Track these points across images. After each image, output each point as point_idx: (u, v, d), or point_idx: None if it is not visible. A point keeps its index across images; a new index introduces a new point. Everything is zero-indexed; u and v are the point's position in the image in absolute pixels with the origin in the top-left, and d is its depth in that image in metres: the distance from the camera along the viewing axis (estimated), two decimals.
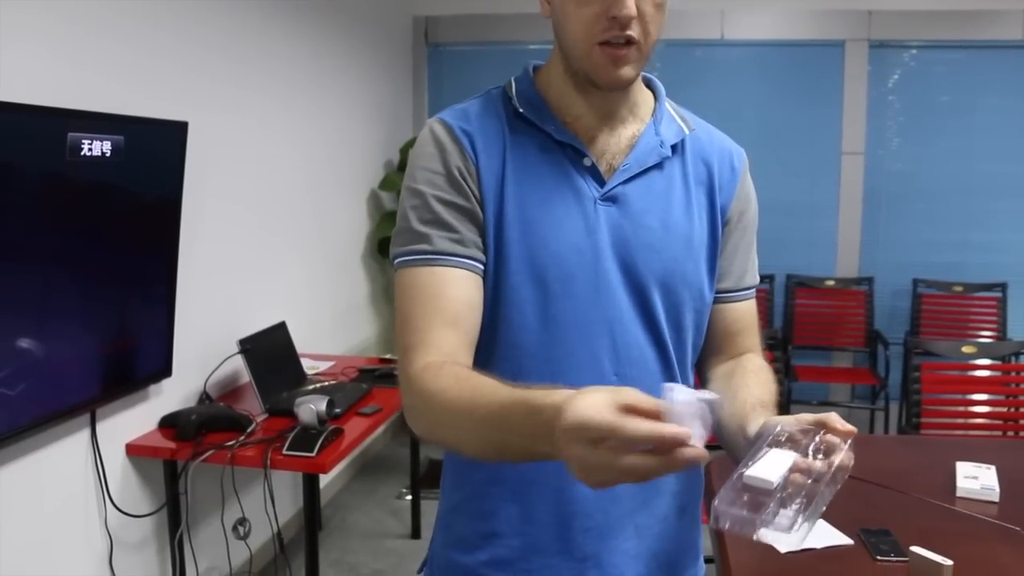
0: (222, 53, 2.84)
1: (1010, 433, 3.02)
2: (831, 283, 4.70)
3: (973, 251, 4.64)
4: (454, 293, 1.00)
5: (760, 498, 0.78)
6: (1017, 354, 3.37)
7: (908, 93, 4.64)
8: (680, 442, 0.69)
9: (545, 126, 1.06)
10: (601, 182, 1.06)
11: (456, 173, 1.03)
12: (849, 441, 0.85)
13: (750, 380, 1.09)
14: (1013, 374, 3.38)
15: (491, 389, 0.86)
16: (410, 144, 4.58)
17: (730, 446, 1.01)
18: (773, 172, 4.60)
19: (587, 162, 1.06)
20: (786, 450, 0.84)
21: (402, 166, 4.56)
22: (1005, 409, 3.15)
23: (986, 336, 4.47)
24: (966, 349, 3.11)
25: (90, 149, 2.00)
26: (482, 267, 1.03)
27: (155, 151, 2.29)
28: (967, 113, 4.57)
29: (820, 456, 0.84)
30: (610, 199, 1.05)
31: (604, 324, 1.04)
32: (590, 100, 1.07)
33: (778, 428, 0.88)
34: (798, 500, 0.79)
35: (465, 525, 1.12)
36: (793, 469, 0.81)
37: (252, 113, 3.06)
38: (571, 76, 1.06)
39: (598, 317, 1.04)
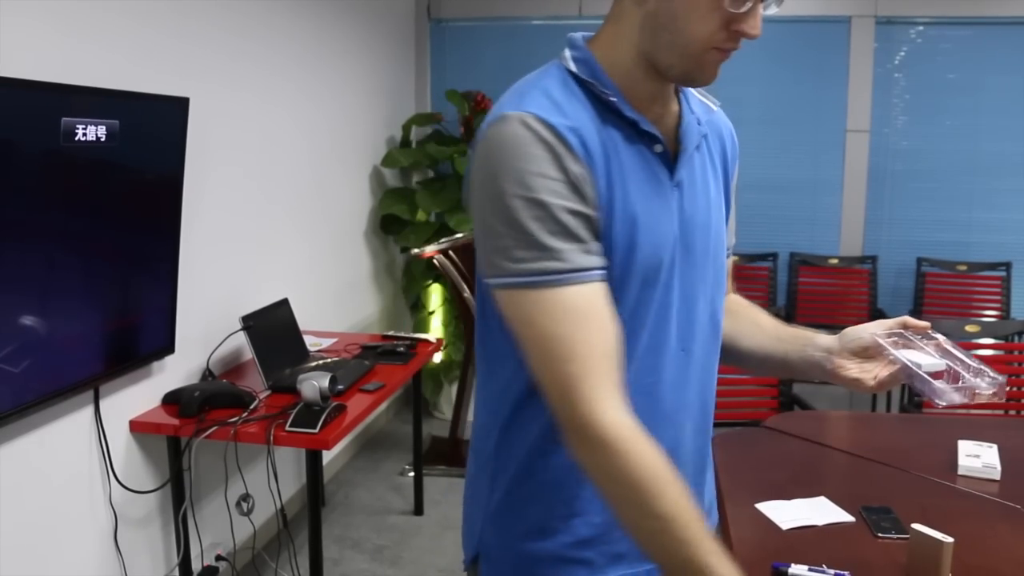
0: (223, 27, 2.81)
1: (1012, 412, 3.02)
2: (835, 261, 4.68)
3: (977, 230, 4.62)
4: (603, 310, 0.97)
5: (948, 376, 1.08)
6: (1020, 333, 3.36)
7: (914, 70, 4.60)
8: None
9: (629, 115, 1.02)
10: (669, 168, 1.05)
11: (573, 178, 0.96)
12: (931, 331, 1.10)
13: (756, 313, 1.26)
14: (1016, 353, 3.38)
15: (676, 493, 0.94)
16: (413, 120, 4.54)
17: (780, 363, 1.21)
18: (777, 150, 4.58)
19: (659, 148, 1.04)
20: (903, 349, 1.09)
21: (404, 142, 4.53)
22: (1007, 388, 3.15)
23: (990, 315, 4.46)
24: (969, 328, 3.10)
25: (84, 134, 1.96)
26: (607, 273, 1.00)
27: (156, 128, 2.27)
28: (974, 91, 4.53)
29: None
30: (677, 184, 1.06)
31: (676, 305, 1.07)
32: (656, 87, 1.04)
33: (868, 336, 1.12)
34: (967, 371, 1.10)
35: (543, 512, 1.10)
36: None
37: (254, 88, 3.04)
38: (642, 62, 1.02)
39: (672, 299, 1.06)
